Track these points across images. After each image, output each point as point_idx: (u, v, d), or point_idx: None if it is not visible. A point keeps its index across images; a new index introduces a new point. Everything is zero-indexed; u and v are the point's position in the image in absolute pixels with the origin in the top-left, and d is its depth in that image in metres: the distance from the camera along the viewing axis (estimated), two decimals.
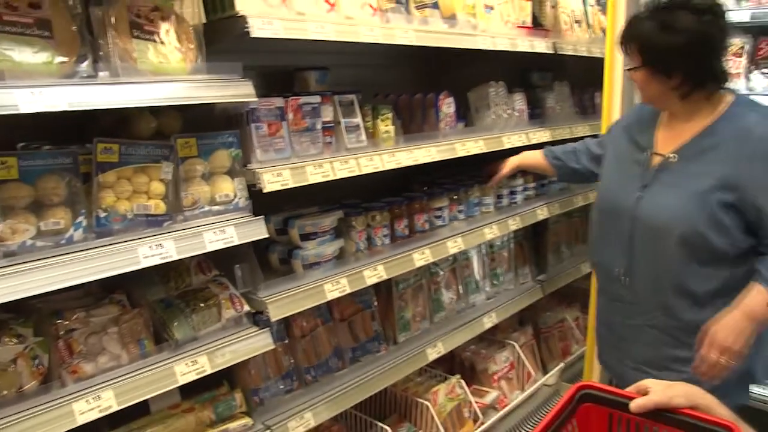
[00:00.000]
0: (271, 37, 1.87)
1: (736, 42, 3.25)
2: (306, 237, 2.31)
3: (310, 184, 2.07)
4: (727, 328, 1.96)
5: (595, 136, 2.77)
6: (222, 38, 1.92)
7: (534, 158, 2.88)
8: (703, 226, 1.99)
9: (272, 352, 2.22)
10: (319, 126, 2.20)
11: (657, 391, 1.44)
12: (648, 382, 1.48)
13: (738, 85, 3.26)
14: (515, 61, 3.23)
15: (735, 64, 3.26)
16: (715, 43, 1.99)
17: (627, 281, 2.21)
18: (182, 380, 1.80)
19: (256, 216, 1.98)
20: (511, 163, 2.92)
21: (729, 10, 3.13)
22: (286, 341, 2.34)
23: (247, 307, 2.03)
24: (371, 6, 2.28)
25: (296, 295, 2.12)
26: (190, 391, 2.00)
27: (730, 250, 2.01)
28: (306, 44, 2.05)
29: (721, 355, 1.95)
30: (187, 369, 1.81)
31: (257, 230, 1.96)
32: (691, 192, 2.02)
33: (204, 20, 1.91)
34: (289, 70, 2.55)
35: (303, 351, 2.39)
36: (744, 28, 3.28)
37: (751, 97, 3.14)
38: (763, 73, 3.24)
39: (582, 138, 2.83)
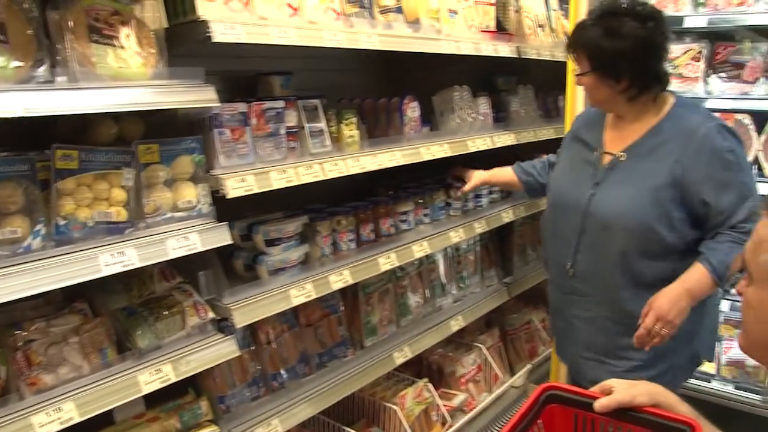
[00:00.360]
0: (234, 41, 1.86)
1: (694, 47, 3.32)
2: (271, 243, 2.29)
3: (274, 190, 2.05)
4: (668, 301, 2.06)
5: (558, 140, 2.80)
6: (184, 43, 1.90)
7: (505, 175, 2.89)
8: (653, 221, 2.09)
9: (238, 359, 2.19)
10: (283, 131, 2.19)
11: (620, 390, 1.46)
12: (612, 382, 1.50)
13: (696, 88, 3.32)
14: (480, 65, 3.25)
15: (693, 68, 3.33)
16: (658, 47, 2.11)
17: (579, 275, 2.29)
18: (146, 389, 1.77)
19: (220, 222, 1.96)
20: (478, 177, 2.91)
21: (687, 16, 3.21)
22: (252, 348, 2.32)
23: (211, 314, 2.01)
24: (335, 10, 2.27)
25: (261, 301, 2.11)
26: (155, 399, 1.96)
27: (678, 243, 2.13)
28: (270, 49, 2.04)
29: (660, 325, 2.06)
30: (151, 378, 1.78)
31: (221, 236, 1.94)
32: (641, 188, 2.11)
33: (165, 25, 1.88)
34: (253, 75, 2.54)
35: (269, 357, 2.37)
36: (701, 34, 3.35)
37: (710, 100, 3.23)
38: (720, 77, 3.31)
39: (546, 141, 2.86)
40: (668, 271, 2.13)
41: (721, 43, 3.32)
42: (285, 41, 2.00)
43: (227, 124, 2.03)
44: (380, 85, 3.22)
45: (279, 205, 2.48)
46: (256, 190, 1.98)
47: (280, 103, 2.19)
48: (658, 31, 2.08)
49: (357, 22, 2.35)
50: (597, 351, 2.30)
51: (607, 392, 1.48)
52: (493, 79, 3.76)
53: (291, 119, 2.24)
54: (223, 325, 2.04)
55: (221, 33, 1.83)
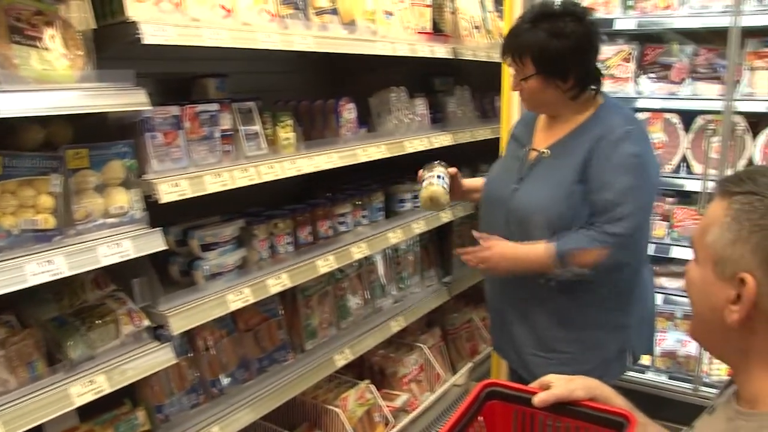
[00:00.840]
0: (165, 43, 1.82)
1: (625, 48, 3.41)
2: (207, 247, 2.26)
3: (210, 194, 2.02)
4: (504, 255, 2.20)
5: (495, 141, 2.84)
6: (113, 45, 1.85)
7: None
8: (566, 217, 2.14)
9: (176, 367, 2.15)
10: (217, 134, 2.16)
11: (559, 385, 1.49)
12: (550, 377, 1.53)
13: (627, 88, 3.42)
14: (418, 67, 3.27)
15: (624, 69, 3.42)
16: (596, 44, 2.17)
17: None
18: (79, 401, 1.72)
19: (153, 228, 1.92)
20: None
21: (617, 18, 3.30)
22: (190, 354, 2.28)
23: (146, 322, 1.97)
24: (269, 12, 2.25)
25: (198, 307, 2.07)
26: (89, 412, 1.91)
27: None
28: (205, 51, 2.01)
29: (484, 265, 2.23)
30: (84, 390, 1.73)
31: (155, 242, 1.89)
32: (557, 184, 2.16)
33: (93, 26, 1.82)
34: (188, 78, 2.49)
35: (208, 363, 2.33)
36: (631, 36, 3.45)
37: (640, 100, 3.33)
38: (649, 78, 3.41)
39: (483, 141, 2.89)
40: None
41: (650, 45, 3.43)
42: (218, 43, 1.98)
43: (160, 127, 1.99)
44: (318, 86, 3.21)
45: (216, 209, 2.45)
46: (190, 195, 1.95)
47: (214, 106, 2.16)
48: (594, 28, 2.14)
49: (292, 23, 2.34)
50: (532, 345, 2.34)
51: (546, 387, 1.51)
52: (430, 80, 3.79)
53: (225, 122, 2.21)
54: (159, 332, 2.00)
55: (151, 35, 1.79)
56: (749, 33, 3.10)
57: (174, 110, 2.03)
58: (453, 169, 2.43)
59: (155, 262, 2.07)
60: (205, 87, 2.46)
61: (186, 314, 2.02)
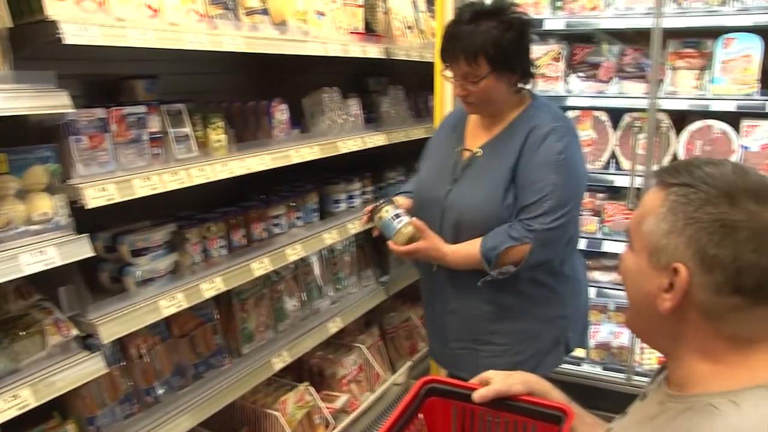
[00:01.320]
0: (88, 44, 1.76)
1: (555, 48, 3.48)
2: (137, 253, 2.21)
3: (141, 198, 1.98)
4: (431, 248, 2.20)
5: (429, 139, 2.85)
6: (32, 44, 1.78)
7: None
8: (502, 215, 2.17)
9: (108, 376, 2.09)
10: (145, 137, 2.11)
11: (497, 380, 1.51)
12: (489, 373, 1.56)
13: (558, 87, 3.49)
14: (352, 67, 3.27)
15: (554, 68, 3.49)
16: (530, 35, 2.21)
17: (442, 270, 2.31)
18: (1, 418, 1.65)
19: (80, 234, 1.86)
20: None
21: (546, 19, 3.36)
22: (123, 363, 2.23)
23: (75, 332, 1.91)
24: (197, 12, 2.22)
25: (129, 314, 2.02)
26: (15, 428, 1.84)
27: None
28: (133, 52, 1.96)
29: (408, 254, 2.22)
30: (6, 405, 1.66)
31: (82, 249, 1.83)
32: (490, 184, 2.19)
33: (9, 24, 1.74)
34: (116, 79, 2.43)
35: (142, 372, 2.28)
36: (561, 35, 3.52)
37: (570, 98, 3.40)
38: (578, 77, 3.49)
39: (417, 140, 2.91)
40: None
41: (579, 45, 3.51)
42: (144, 44, 1.93)
43: (85, 130, 1.93)
44: (251, 87, 3.17)
45: (147, 214, 2.39)
46: (118, 199, 1.90)
47: (142, 108, 2.11)
48: (528, 19, 2.18)
49: (221, 23, 2.30)
50: (467, 340, 2.36)
51: (485, 383, 1.53)
52: (364, 80, 3.79)
53: (154, 125, 2.16)
54: (88, 342, 1.94)
55: (73, 34, 1.73)
56: (671, 34, 3.20)
57: (99, 113, 1.98)
58: (407, 202, 2.44)
59: (84, 269, 2.01)
60: (134, 89, 2.40)
61: (117, 322, 1.97)
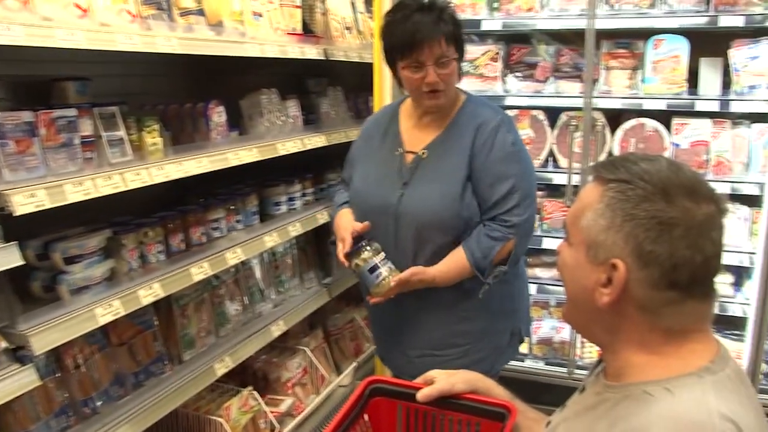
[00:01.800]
0: (11, 44, 1.70)
1: (492, 48, 3.53)
2: (71, 260, 2.14)
3: (75, 204, 1.92)
4: (418, 285, 2.18)
5: None
6: None
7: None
8: (463, 214, 2.17)
9: (42, 389, 2.02)
10: (77, 141, 2.05)
11: (441, 380, 1.53)
12: (433, 373, 1.57)
13: (496, 87, 3.53)
14: (292, 68, 3.25)
15: (492, 68, 3.53)
16: None
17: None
18: None
19: (8, 242, 1.79)
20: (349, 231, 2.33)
21: (484, 20, 3.40)
22: (58, 374, 2.15)
23: (4, 344, 1.83)
24: (129, 12, 2.17)
25: (63, 323, 1.96)
26: None
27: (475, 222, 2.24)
28: (64, 53, 1.90)
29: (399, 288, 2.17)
30: None
31: (10, 257, 1.77)
32: (448, 184, 2.18)
33: None
34: (46, 81, 2.36)
35: (78, 382, 2.21)
36: (498, 36, 3.57)
37: (508, 98, 3.45)
38: (516, 76, 3.54)
39: None
40: None
41: (516, 45, 3.56)
42: (73, 45, 1.87)
43: (11, 134, 1.86)
44: (188, 89, 3.12)
45: (82, 220, 2.33)
46: (48, 205, 1.83)
47: (73, 111, 2.04)
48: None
49: (155, 24, 2.26)
50: (428, 346, 2.35)
51: (429, 382, 1.54)
52: (304, 81, 3.77)
53: (86, 128, 2.10)
54: (20, 354, 1.87)
55: None
56: (604, 35, 3.29)
57: (26, 116, 1.91)
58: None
59: (14, 278, 1.94)
60: (64, 91, 2.32)
61: (50, 332, 1.91)
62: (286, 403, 3.14)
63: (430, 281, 2.18)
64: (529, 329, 2.57)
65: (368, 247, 2.20)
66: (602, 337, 1.19)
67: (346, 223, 2.31)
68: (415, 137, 2.30)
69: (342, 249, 2.24)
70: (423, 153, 2.25)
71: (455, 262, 2.19)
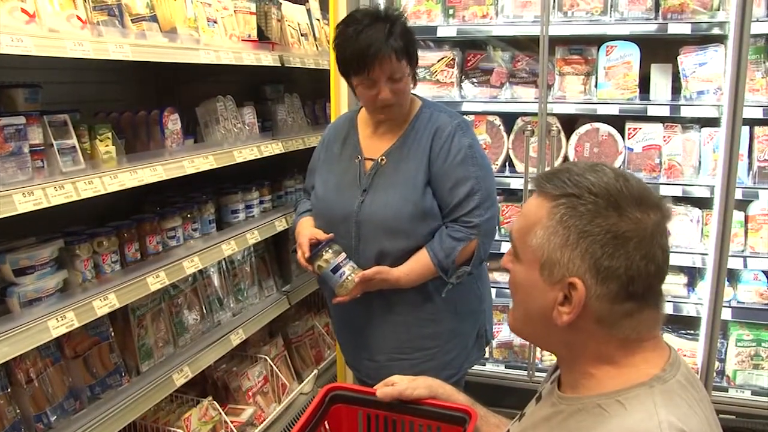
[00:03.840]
0: None
1: (448, 54, 3.55)
2: (21, 272, 2.09)
3: (25, 215, 1.88)
4: (383, 282, 2.19)
5: None
6: None
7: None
8: (423, 218, 2.20)
9: None
10: (26, 149, 2.00)
11: (401, 383, 1.53)
12: (394, 378, 1.58)
13: (452, 93, 3.54)
14: (247, 75, 3.23)
15: (448, 74, 3.55)
16: None
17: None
18: None
19: None
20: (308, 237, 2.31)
21: (439, 26, 3.43)
22: (8, 390, 2.10)
23: None
24: (79, 18, 2.13)
25: (14, 337, 1.91)
26: None
27: (434, 226, 2.25)
28: (11, 60, 1.86)
29: (362, 286, 2.18)
30: None
31: None
32: (406, 188, 2.20)
33: None
34: None
35: (31, 397, 2.16)
36: (453, 42, 3.59)
37: (464, 103, 3.47)
38: (472, 82, 3.57)
39: (315, 148, 2.89)
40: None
41: (471, 51, 3.59)
42: (20, 51, 1.83)
43: None
44: (143, 97, 3.09)
45: (36, 231, 2.28)
46: None
47: (20, 119, 1.99)
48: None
49: (106, 30, 2.22)
50: (396, 350, 2.35)
51: (389, 386, 1.55)
52: (260, 88, 3.76)
53: (36, 136, 2.05)
54: None
55: None
56: (558, 41, 3.33)
57: None
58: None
59: None
60: (13, 98, 2.27)
61: (0, 346, 1.86)
62: (247, 412, 3.11)
63: (394, 282, 2.20)
64: (491, 331, 2.59)
65: (329, 249, 2.20)
66: (558, 349, 1.19)
67: (306, 230, 2.32)
68: (373, 145, 2.32)
69: (302, 254, 2.25)
70: (381, 160, 2.27)
71: (418, 262, 2.21)
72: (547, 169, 3.18)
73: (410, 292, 2.25)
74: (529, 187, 3.27)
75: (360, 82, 2.16)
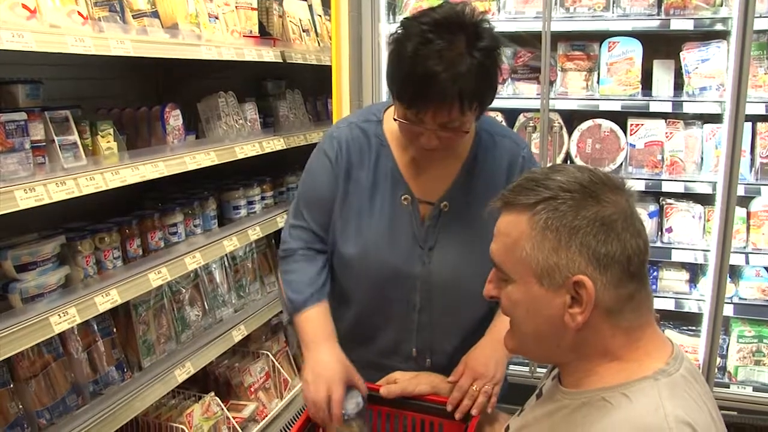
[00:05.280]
0: None
1: None
2: (23, 268, 2.10)
3: (27, 211, 1.88)
4: (483, 357, 1.66)
5: None
6: None
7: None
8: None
9: None
10: (27, 145, 2.00)
11: (404, 380, 1.54)
12: (396, 374, 1.58)
13: None
14: (249, 71, 3.23)
15: None
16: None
17: (427, 361, 1.77)
18: None
19: None
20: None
21: None
22: (11, 386, 2.10)
23: None
24: (80, 14, 2.13)
25: (16, 332, 1.91)
26: None
27: None
28: (13, 55, 1.86)
29: (479, 384, 1.60)
30: None
31: None
32: (484, 243, 1.49)
33: None
34: None
35: (33, 393, 2.16)
36: None
37: None
38: None
39: (316, 144, 2.88)
40: None
41: None
42: (21, 47, 1.83)
43: None
44: (143, 93, 3.09)
45: (38, 227, 2.30)
46: None
47: (22, 115, 1.99)
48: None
49: (107, 26, 2.22)
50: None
51: (392, 383, 1.55)
52: (262, 84, 3.76)
53: (37, 132, 2.06)
54: None
55: None
56: (560, 37, 3.32)
57: None
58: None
59: None
60: (14, 94, 2.27)
61: (1, 342, 1.86)
62: (249, 408, 3.12)
63: (501, 356, 1.67)
64: None
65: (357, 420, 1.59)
66: (564, 356, 1.16)
67: (331, 371, 1.59)
68: (423, 181, 1.73)
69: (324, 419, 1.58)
70: (444, 206, 1.71)
71: (499, 318, 1.67)
72: (549, 164, 3.19)
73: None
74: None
75: (403, 114, 1.57)
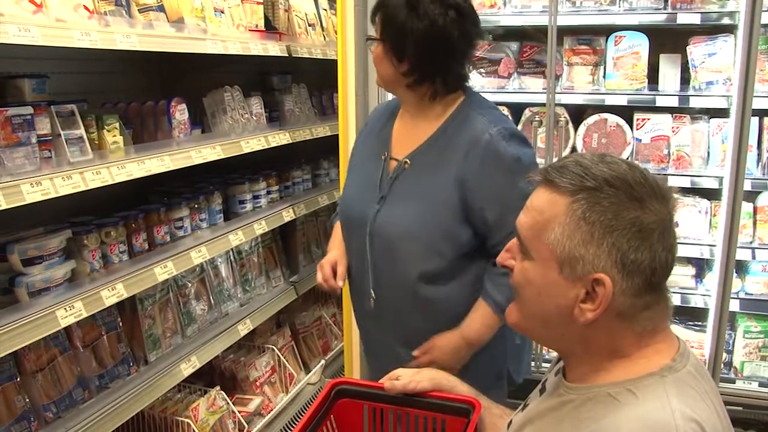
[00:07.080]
0: None
1: None
2: (30, 262, 2.10)
3: (33, 205, 1.89)
4: (448, 349, 1.89)
5: (335, 138, 2.81)
6: None
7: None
8: (441, 242, 1.87)
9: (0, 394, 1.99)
10: (34, 140, 2.01)
11: (405, 377, 1.54)
12: (398, 371, 1.58)
13: None
14: (254, 65, 3.22)
15: None
16: (452, 43, 1.81)
17: (378, 301, 2.00)
18: None
19: None
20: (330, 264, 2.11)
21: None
22: (17, 379, 2.11)
23: None
24: (86, 8, 2.13)
25: (23, 326, 1.92)
26: None
27: (468, 267, 1.92)
28: (19, 50, 1.87)
29: (436, 366, 1.72)
30: None
31: None
32: (425, 205, 1.87)
33: None
34: (1, 79, 2.31)
35: (40, 387, 2.17)
36: None
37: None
38: (480, 73, 3.55)
39: (323, 138, 2.89)
40: (461, 298, 1.91)
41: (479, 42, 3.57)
42: (27, 41, 1.83)
43: None
44: (150, 87, 3.09)
45: (42, 221, 2.29)
46: (4, 206, 1.80)
47: (28, 110, 2.00)
48: (459, 26, 1.80)
49: (114, 20, 2.22)
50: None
51: (395, 380, 1.55)
52: (268, 78, 3.75)
53: (43, 127, 2.06)
54: None
55: None
56: (566, 31, 3.31)
57: None
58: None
59: None
60: (20, 88, 2.27)
61: (7, 336, 1.86)
62: (255, 402, 3.12)
63: (462, 343, 1.89)
64: (519, 371, 2.20)
65: None
66: (569, 347, 1.16)
67: (332, 250, 2.12)
68: (403, 140, 1.97)
69: (322, 278, 2.05)
70: (406, 162, 1.92)
71: (481, 316, 1.88)
72: (554, 159, 3.18)
73: (419, 326, 1.95)
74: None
75: None
